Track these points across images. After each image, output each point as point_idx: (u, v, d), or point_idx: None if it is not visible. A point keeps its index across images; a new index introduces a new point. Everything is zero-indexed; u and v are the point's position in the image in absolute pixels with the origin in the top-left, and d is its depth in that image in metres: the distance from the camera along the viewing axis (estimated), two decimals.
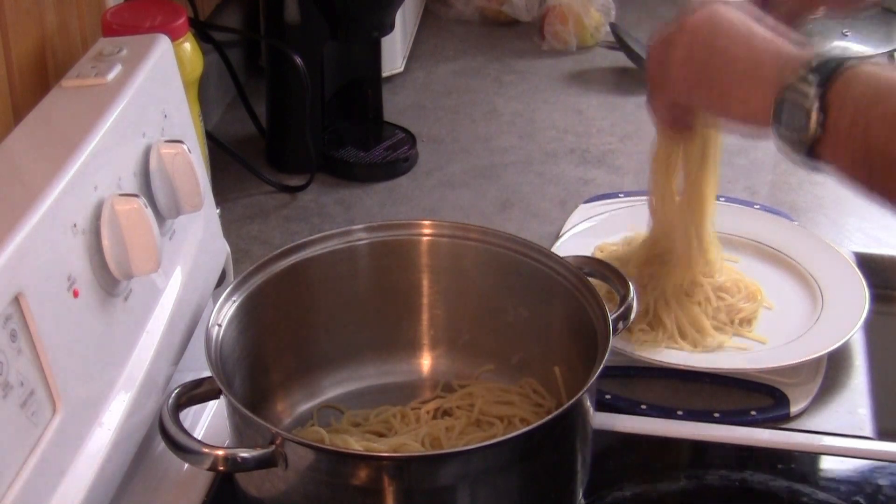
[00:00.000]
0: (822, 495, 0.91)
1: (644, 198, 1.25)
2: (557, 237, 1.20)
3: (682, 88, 0.91)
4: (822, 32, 1.67)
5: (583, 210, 1.27)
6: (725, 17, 0.90)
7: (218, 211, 1.04)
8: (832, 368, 1.04)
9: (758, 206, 1.27)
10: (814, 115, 0.79)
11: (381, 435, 0.93)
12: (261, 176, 1.35)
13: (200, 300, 0.94)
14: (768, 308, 1.09)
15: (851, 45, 1.64)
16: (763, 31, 0.88)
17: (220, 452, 0.77)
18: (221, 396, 0.82)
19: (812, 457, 0.95)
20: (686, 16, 0.91)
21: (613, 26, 1.67)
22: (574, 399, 0.80)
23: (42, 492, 0.70)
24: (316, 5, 1.31)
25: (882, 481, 0.92)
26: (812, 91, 0.79)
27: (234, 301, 0.90)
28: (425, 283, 1.00)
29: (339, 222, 1.28)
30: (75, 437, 0.74)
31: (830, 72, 0.80)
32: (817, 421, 0.99)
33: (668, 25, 0.93)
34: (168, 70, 0.93)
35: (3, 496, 0.66)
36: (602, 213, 1.23)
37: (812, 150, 0.80)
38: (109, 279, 0.79)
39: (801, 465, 0.94)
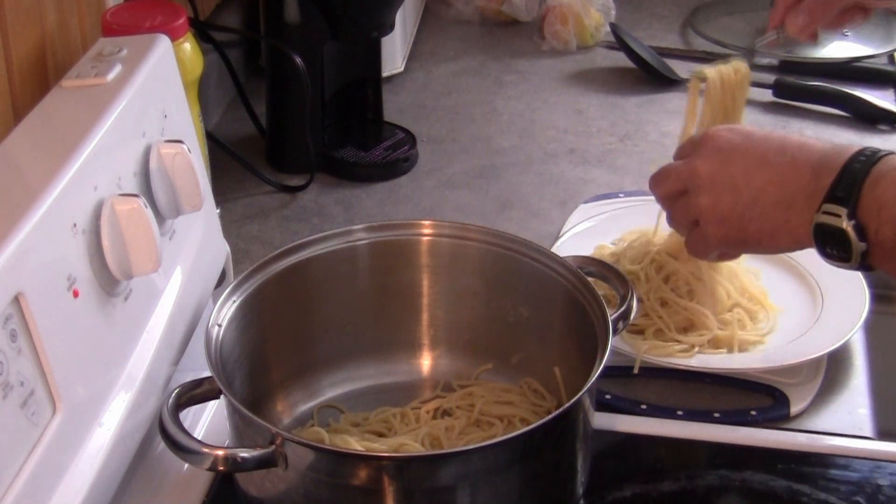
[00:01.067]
0: (822, 495, 0.91)
1: (644, 198, 1.26)
2: (557, 237, 1.20)
3: (726, 246, 0.93)
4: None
5: (583, 210, 1.27)
6: (731, 145, 0.90)
7: (218, 211, 1.04)
8: (832, 368, 1.04)
9: None
10: (852, 236, 0.80)
11: (380, 435, 0.93)
12: (261, 176, 1.35)
13: (200, 300, 0.94)
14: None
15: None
16: (771, 145, 0.88)
17: (220, 452, 0.77)
18: (221, 396, 0.82)
19: (812, 457, 0.95)
20: (694, 162, 0.91)
21: (613, 26, 1.67)
22: (574, 399, 0.80)
23: (42, 492, 0.70)
24: (316, 5, 1.31)
25: (882, 481, 0.92)
26: (843, 213, 0.80)
27: (234, 301, 0.90)
28: (425, 283, 1.00)
29: (339, 222, 1.28)
30: (75, 437, 0.74)
31: (854, 185, 0.80)
32: (817, 421, 0.99)
33: (672, 170, 0.94)
34: (168, 70, 0.93)
35: (3, 496, 0.66)
36: (602, 213, 1.23)
37: (864, 262, 0.81)
38: (109, 279, 0.79)
39: (801, 465, 0.94)
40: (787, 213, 0.86)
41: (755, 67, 1.57)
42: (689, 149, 0.94)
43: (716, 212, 0.90)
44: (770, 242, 0.88)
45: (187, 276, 0.91)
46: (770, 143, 0.88)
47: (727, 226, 0.90)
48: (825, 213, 0.82)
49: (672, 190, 0.95)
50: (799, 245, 0.87)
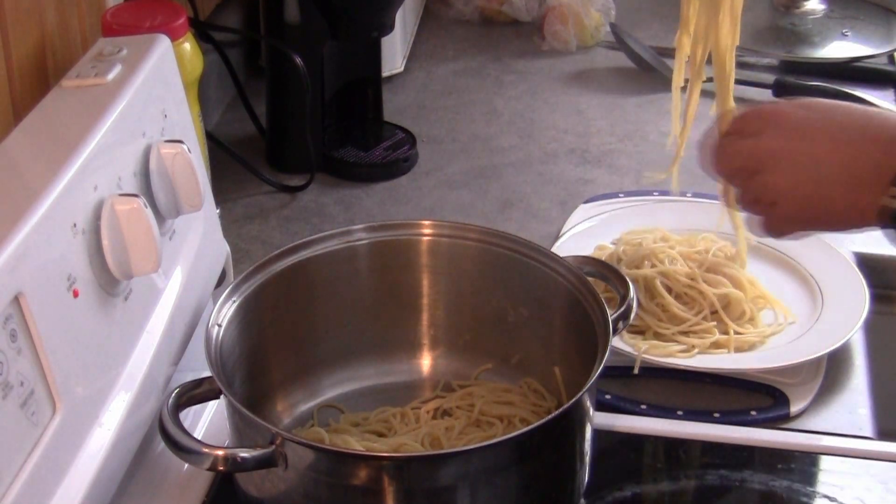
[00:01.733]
0: (822, 495, 0.91)
1: (644, 198, 1.26)
2: (557, 237, 1.20)
3: (803, 225, 0.91)
4: (822, 32, 1.67)
5: (583, 210, 1.27)
6: (807, 122, 0.88)
7: (218, 211, 1.04)
8: (832, 368, 1.04)
9: None
10: None
11: (380, 435, 0.93)
12: (261, 176, 1.35)
13: (200, 300, 0.94)
14: (769, 309, 1.09)
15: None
16: (842, 121, 0.86)
17: (220, 452, 0.77)
18: (221, 396, 0.82)
19: (812, 457, 0.95)
20: (767, 141, 0.89)
21: (613, 26, 1.67)
22: (574, 399, 0.80)
23: (42, 492, 0.70)
24: (316, 5, 1.31)
25: (882, 481, 0.92)
26: None
27: (234, 301, 0.90)
28: (425, 283, 1.00)
29: (339, 222, 1.28)
30: (75, 437, 0.74)
31: None
32: (817, 421, 0.99)
33: (739, 148, 0.91)
34: (168, 70, 0.93)
35: (3, 496, 0.66)
36: (602, 213, 1.23)
37: None
38: (109, 279, 0.79)
39: (801, 465, 0.94)
40: (856, 193, 0.84)
41: (754, 68, 1.58)
42: (753, 125, 0.91)
43: (796, 193, 0.87)
44: (839, 222, 0.87)
45: (187, 276, 0.91)
46: (838, 117, 0.87)
47: (805, 205, 0.87)
48: (893, 196, 0.81)
49: (740, 168, 0.91)
50: (867, 224, 0.86)
